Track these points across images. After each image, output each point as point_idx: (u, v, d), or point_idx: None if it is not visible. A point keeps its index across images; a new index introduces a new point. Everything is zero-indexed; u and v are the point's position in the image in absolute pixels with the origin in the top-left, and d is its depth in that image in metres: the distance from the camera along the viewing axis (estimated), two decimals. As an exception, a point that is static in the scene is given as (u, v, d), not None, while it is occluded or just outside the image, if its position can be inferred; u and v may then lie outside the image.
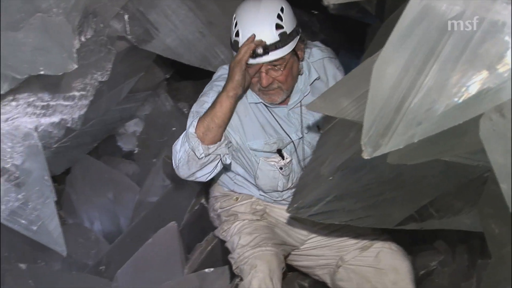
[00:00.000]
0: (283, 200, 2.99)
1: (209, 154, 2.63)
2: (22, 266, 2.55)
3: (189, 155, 2.64)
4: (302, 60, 2.74)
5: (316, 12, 5.72)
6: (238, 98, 2.67)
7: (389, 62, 1.26)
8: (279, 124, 2.81)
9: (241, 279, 2.78)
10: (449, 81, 1.18)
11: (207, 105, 2.68)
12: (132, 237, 3.32)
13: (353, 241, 2.92)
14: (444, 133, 1.21)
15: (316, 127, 2.82)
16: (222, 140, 2.66)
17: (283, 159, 2.83)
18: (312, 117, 2.81)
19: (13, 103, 2.95)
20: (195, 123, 2.63)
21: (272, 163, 2.83)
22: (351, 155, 1.93)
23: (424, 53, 1.21)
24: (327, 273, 3.03)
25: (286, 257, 3.02)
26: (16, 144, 2.93)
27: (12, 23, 2.36)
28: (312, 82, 2.81)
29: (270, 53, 2.50)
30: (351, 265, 2.91)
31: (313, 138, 2.85)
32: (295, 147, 2.84)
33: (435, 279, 3.16)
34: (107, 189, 3.73)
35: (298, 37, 2.61)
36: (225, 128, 2.67)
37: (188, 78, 4.51)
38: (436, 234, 3.15)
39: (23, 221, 2.83)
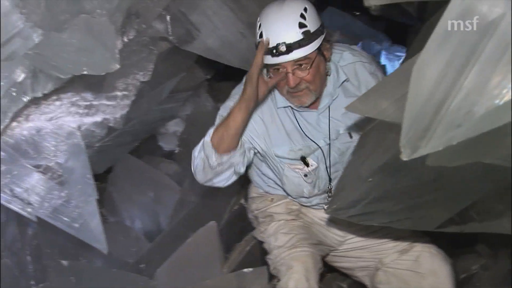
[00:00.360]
0: (312, 205, 2.98)
1: (222, 163, 2.66)
2: (64, 262, 2.59)
3: (204, 162, 2.69)
4: (329, 61, 2.69)
5: (358, 13, 5.70)
6: (252, 110, 2.66)
7: (429, 64, 1.26)
8: (308, 130, 2.77)
9: (279, 280, 2.78)
10: (489, 82, 1.17)
11: None
12: (172, 236, 3.35)
13: (392, 244, 2.88)
14: (484, 136, 1.19)
15: (347, 133, 2.78)
16: (237, 149, 2.69)
17: (308, 166, 2.80)
18: (342, 123, 2.76)
19: (57, 103, 3.00)
20: (211, 132, 2.68)
21: (297, 170, 2.82)
22: (391, 156, 1.91)
23: (464, 54, 1.20)
24: (367, 275, 3.01)
25: (324, 257, 3.01)
26: (59, 142, 2.98)
27: (56, 24, 2.40)
28: (341, 85, 2.75)
29: (294, 51, 2.47)
30: (391, 268, 2.87)
31: (342, 144, 2.80)
32: (323, 153, 2.80)
33: (477, 283, 3.11)
34: (148, 188, 3.77)
35: (323, 36, 2.56)
36: (240, 136, 2.69)
37: (229, 78, 4.52)
38: (477, 238, 3.11)
39: (66, 219, 2.88)
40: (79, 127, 3.08)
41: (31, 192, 2.85)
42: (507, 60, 1.14)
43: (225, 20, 3.27)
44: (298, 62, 2.51)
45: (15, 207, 2.83)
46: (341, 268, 3.19)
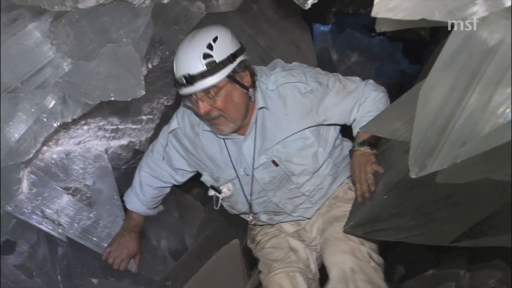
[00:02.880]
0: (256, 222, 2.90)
1: None
2: (94, 281, 2.66)
3: None
4: (250, 87, 2.51)
5: (375, 35, 5.76)
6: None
7: (434, 87, 1.34)
8: (233, 156, 2.66)
9: None
10: (491, 103, 1.23)
11: (159, 148, 2.80)
12: (196, 254, 3.41)
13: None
14: (490, 153, 1.26)
15: (270, 162, 2.62)
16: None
17: (220, 193, 2.75)
18: (265, 151, 2.62)
19: (85, 127, 3.11)
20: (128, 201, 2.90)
21: (212, 192, 2.81)
22: (405, 174, 1.97)
23: (467, 77, 1.27)
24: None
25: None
26: (87, 165, 3.09)
27: (85, 53, 2.51)
28: (259, 110, 2.59)
29: (197, 83, 2.37)
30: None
31: (268, 173, 2.66)
32: (240, 183, 2.70)
33: (493, 297, 3.14)
34: (173, 208, 3.83)
35: (234, 64, 2.42)
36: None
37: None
38: (494, 252, 3.14)
39: (95, 239, 2.99)
40: (106, 150, 3.19)
41: (61, 214, 2.96)
42: (507, 81, 1.21)
43: (245, 45, 3.35)
44: (205, 92, 2.41)
45: (46, 228, 2.94)
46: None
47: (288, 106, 2.54)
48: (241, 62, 2.45)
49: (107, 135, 3.19)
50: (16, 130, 2.56)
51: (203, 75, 2.35)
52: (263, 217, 2.78)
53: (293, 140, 2.54)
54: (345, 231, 2.43)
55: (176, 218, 3.84)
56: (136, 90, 2.54)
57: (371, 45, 6.18)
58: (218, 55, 2.37)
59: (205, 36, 2.40)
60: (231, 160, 2.64)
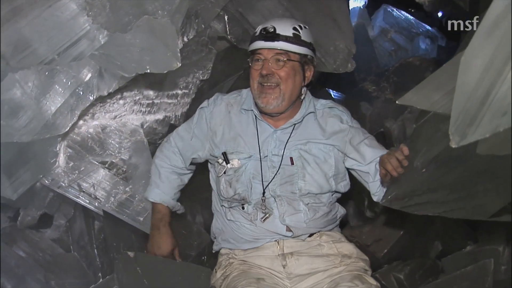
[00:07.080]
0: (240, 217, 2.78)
1: None
2: (130, 254, 2.67)
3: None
4: (307, 84, 2.72)
5: (413, 10, 5.68)
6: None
7: (475, 56, 1.31)
8: (257, 136, 2.73)
9: None
10: (534, 72, 1.20)
11: (190, 132, 2.85)
12: (232, 229, 3.41)
13: None
14: (532, 124, 1.23)
15: (288, 157, 2.69)
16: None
17: (227, 163, 2.73)
18: (289, 147, 2.69)
19: (121, 101, 3.12)
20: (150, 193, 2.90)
21: (218, 163, 2.78)
22: (444, 148, 1.95)
23: (509, 45, 1.23)
24: None
25: None
26: (123, 140, 3.10)
27: (120, 25, 2.51)
28: (306, 115, 2.74)
29: (279, 41, 2.56)
30: None
31: (282, 168, 2.69)
32: (252, 163, 2.70)
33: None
34: (209, 183, 3.83)
35: (310, 52, 2.65)
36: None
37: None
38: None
39: (131, 212, 2.99)
40: (142, 125, 3.19)
41: (97, 187, 2.98)
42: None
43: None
44: (277, 56, 2.58)
45: (83, 201, 2.96)
46: None
47: (328, 125, 2.76)
48: (313, 58, 2.70)
49: (143, 109, 3.19)
50: (53, 103, 2.56)
51: (287, 38, 2.57)
52: (250, 209, 2.70)
53: (317, 148, 2.71)
54: (383, 205, 2.40)
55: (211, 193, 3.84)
56: (172, 62, 2.54)
57: (408, 21, 6.13)
58: (304, 36, 2.61)
59: (296, 21, 2.68)
60: (258, 138, 2.73)
